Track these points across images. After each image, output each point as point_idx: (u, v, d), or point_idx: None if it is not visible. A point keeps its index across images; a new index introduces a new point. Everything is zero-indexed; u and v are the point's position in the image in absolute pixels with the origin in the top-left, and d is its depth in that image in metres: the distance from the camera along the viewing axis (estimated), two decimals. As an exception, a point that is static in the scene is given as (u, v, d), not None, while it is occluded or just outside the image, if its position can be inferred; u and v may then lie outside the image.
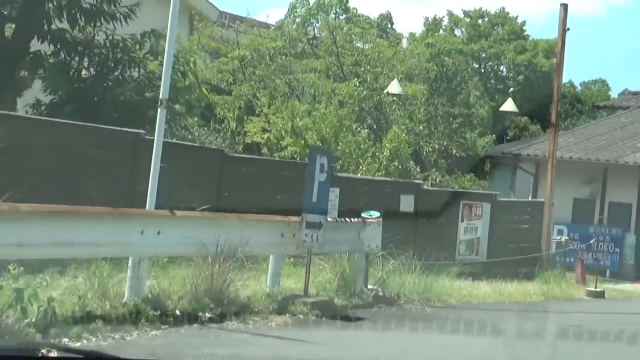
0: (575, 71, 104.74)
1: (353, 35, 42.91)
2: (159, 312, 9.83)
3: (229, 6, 78.53)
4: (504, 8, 52.81)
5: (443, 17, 54.34)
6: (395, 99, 33.70)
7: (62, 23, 17.32)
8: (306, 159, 15.64)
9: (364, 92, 33.76)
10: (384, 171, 21.31)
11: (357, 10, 50.55)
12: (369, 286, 14.20)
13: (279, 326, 10.82)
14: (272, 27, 44.77)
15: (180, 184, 14.92)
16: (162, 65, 18.58)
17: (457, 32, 53.85)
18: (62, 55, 17.33)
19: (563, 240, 24.88)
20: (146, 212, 10.34)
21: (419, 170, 27.41)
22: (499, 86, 53.24)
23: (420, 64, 40.41)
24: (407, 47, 47.90)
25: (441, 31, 52.97)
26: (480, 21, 52.89)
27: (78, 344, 8.30)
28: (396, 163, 21.43)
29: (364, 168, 21.48)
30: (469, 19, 53.25)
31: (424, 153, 33.65)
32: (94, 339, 8.65)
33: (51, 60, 17.28)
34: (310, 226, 12.19)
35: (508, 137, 39.50)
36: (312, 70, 39.75)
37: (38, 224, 9.04)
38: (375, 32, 45.72)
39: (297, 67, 39.71)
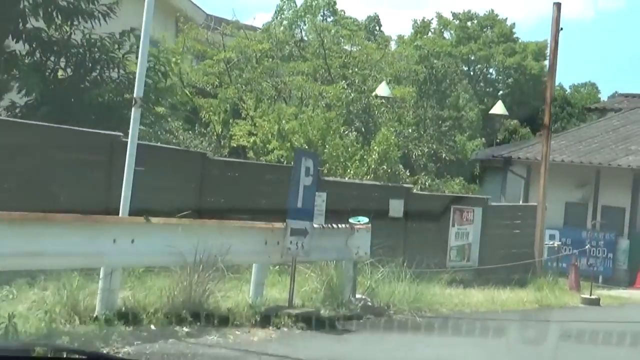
0: (565, 74, 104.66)
1: (341, 38, 42.43)
2: (132, 327, 9.18)
3: (217, 10, 77.91)
4: (493, 10, 52.40)
5: (432, 19, 53.90)
6: (383, 101, 33.19)
7: (37, 22, 16.63)
8: (292, 162, 15.03)
9: (352, 95, 33.23)
10: (372, 175, 20.70)
11: (344, 13, 50.08)
12: (357, 296, 13.58)
13: (262, 340, 10.19)
14: (259, 30, 44.37)
15: (160, 188, 14.28)
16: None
17: (446, 34, 53.38)
18: (38, 55, 16.65)
19: (556, 245, 24.32)
20: (119, 220, 9.69)
21: (408, 174, 26.83)
22: (488, 89, 52.80)
23: (408, 66, 39.91)
24: (395, 50, 47.44)
25: (430, 34, 52.46)
26: (469, 24, 52.42)
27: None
28: (385, 166, 20.81)
29: (352, 172, 20.87)
30: (458, 22, 52.77)
31: (413, 156, 33.09)
32: None
33: (26, 61, 16.58)
34: (295, 233, 11.55)
35: (498, 141, 39.00)
36: (300, 73, 39.29)
37: (3, 232, 8.39)
38: (363, 34, 45.23)
39: (284, 70, 39.27)
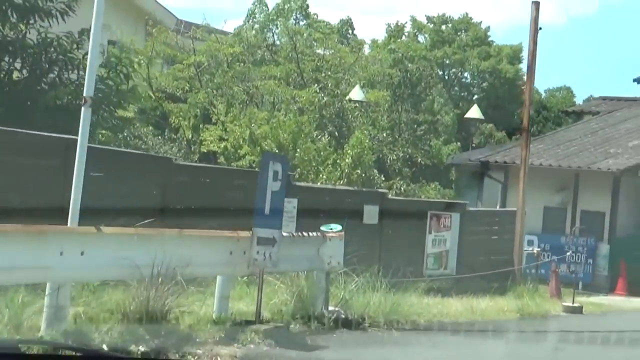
0: (540, 79, 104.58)
1: (314, 42, 41.77)
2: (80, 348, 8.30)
3: (188, 15, 77.23)
4: (467, 14, 51.87)
5: (406, 23, 53.29)
6: (357, 105, 32.56)
7: (-9, 21, 15.76)
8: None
9: (325, 99, 32.55)
10: (345, 180, 19.93)
11: (317, 16, 49.35)
12: (330, 308, 12.79)
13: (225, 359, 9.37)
14: (231, 35, 43.72)
15: (121, 195, 13.44)
16: (104, 66, 17.18)
17: (421, 38, 52.80)
18: (-9, 56, 15.78)
19: (535, 251, 23.62)
20: (67, 230, 8.84)
21: (383, 179, 26.12)
22: (463, 93, 52.29)
23: (382, 70, 39.30)
24: (369, 53, 46.85)
25: (404, 37, 51.85)
26: (443, 27, 51.87)
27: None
28: (359, 171, 20.04)
29: (325, 176, 20.09)
30: (432, 25, 52.20)
31: (388, 161, 32.42)
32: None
33: (-21, 62, 15.71)
34: (263, 242, 10.74)
35: (473, 145, 38.37)
36: (272, 77, 38.67)
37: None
38: (336, 37, 44.56)
39: (256, 74, 38.65)
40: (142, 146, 27.94)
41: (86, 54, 16.52)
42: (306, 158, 20.10)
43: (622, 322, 17.29)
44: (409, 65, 38.07)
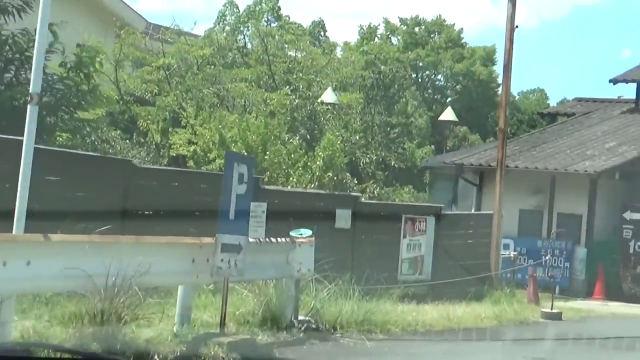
0: (512, 81, 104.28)
1: (285, 44, 41.21)
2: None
3: (159, 19, 76.38)
4: (440, 16, 51.42)
5: (378, 25, 52.81)
6: (329, 108, 31.99)
7: (-58, 18, 14.98)
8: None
9: (297, 101, 31.96)
10: (317, 183, 19.27)
11: (289, 18, 48.77)
12: (300, 317, 12.15)
13: (186, 377, 8.70)
14: (201, 37, 43.15)
15: (78, 201, 12.72)
16: (63, 65, 16.43)
17: (394, 40, 52.33)
18: (-57, 55, 14.99)
19: (512, 255, 23.08)
20: (10, 238, 8.13)
21: (355, 182, 25.51)
22: (436, 96, 51.89)
23: (355, 72, 38.78)
24: (341, 55, 46.36)
25: (377, 40, 51.36)
26: (417, 29, 51.40)
27: None
28: (330, 174, 19.39)
29: (295, 180, 19.42)
30: (405, 27, 51.73)
31: (361, 164, 31.85)
32: None
33: None
34: (227, 249, 10.07)
35: (447, 148, 37.88)
36: (243, 80, 38.13)
37: None
38: (308, 39, 44.01)
39: (227, 77, 38.11)
40: (110, 150, 27.21)
41: (46, 52, 15.84)
42: (276, 161, 19.42)
43: (602, 328, 16.75)
44: (382, 67, 37.56)
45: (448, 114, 35.73)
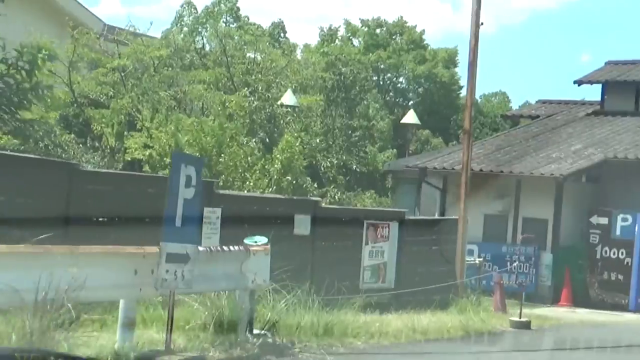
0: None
1: (244, 45, 40.37)
2: None
3: (116, 21, 75.23)
4: (402, 17, 50.81)
5: (339, 27, 52.09)
6: (289, 110, 31.21)
7: None
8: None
9: (255, 103, 31.12)
10: (275, 187, 18.39)
11: (248, 19, 47.89)
12: (256, 331, 11.28)
13: (124, 403, 7.79)
14: (158, 39, 42.22)
15: (15, 207, 11.74)
16: (4, 62, 15.45)
17: (355, 42, 51.65)
18: None
19: (477, 261, 22.36)
20: None
21: (316, 187, 24.70)
22: (398, 99, 51.27)
23: (315, 73, 38.04)
24: (302, 57, 45.64)
25: (337, 42, 50.64)
26: (378, 31, 50.75)
27: None
28: (289, 177, 18.52)
29: (252, 184, 18.53)
30: (366, 29, 51.06)
31: (322, 168, 31.06)
32: None
33: None
34: (173, 259, 9.16)
35: (410, 151, 37.19)
36: (201, 82, 37.31)
37: None
38: (267, 40, 43.19)
39: (185, 79, 37.27)
40: (64, 155, 26.26)
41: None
42: (231, 164, 18.52)
43: (573, 337, 16.04)
44: (343, 68, 36.80)
45: (410, 117, 35.08)
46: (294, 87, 34.43)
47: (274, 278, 13.27)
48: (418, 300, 18.10)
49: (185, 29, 45.17)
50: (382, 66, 49.11)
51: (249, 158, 19.24)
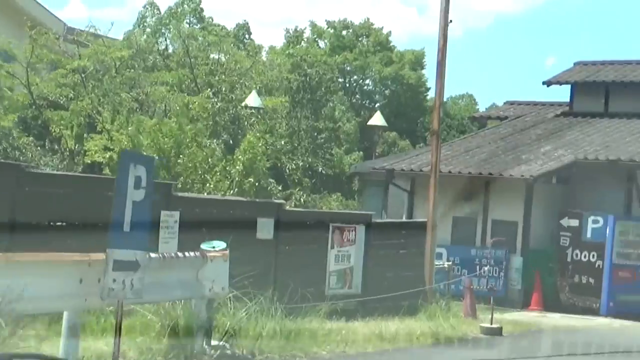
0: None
1: (208, 46, 39.68)
2: None
3: (78, 23, 74.19)
4: (368, 19, 50.29)
5: (305, 28, 51.50)
6: (254, 112, 30.54)
7: None
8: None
9: (219, 104, 30.41)
10: (236, 189, 17.69)
11: (212, 20, 47.17)
12: (214, 342, 10.61)
13: None
14: (121, 40, 41.49)
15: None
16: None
17: (321, 44, 51.09)
18: None
19: (446, 265, 21.80)
20: None
21: (280, 189, 24.04)
22: (364, 101, 50.79)
23: (281, 74, 37.43)
24: (267, 59, 45.02)
25: (303, 44, 50.03)
26: (344, 32, 50.21)
27: None
28: (252, 179, 17.82)
29: (212, 186, 17.81)
30: (332, 30, 50.51)
31: (287, 170, 30.41)
32: None
33: None
34: (121, 267, 8.45)
35: (377, 154, 36.63)
36: (164, 84, 36.59)
37: None
38: (232, 41, 42.51)
39: (147, 81, 36.54)
40: (21, 158, 25.54)
41: None
42: (191, 165, 17.78)
43: (547, 344, 15.53)
44: (308, 69, 36.16)
45: (377, 119, 34.55)
46: (258, 88, 33.82)
47: (235, 285, 12.65)
48: (386, 306, 17.51)
49: (148, 30, 44.39)
50: (348, 68, 48.60)
51: (209, 159, 18.51)
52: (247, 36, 48.70)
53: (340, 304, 16.52)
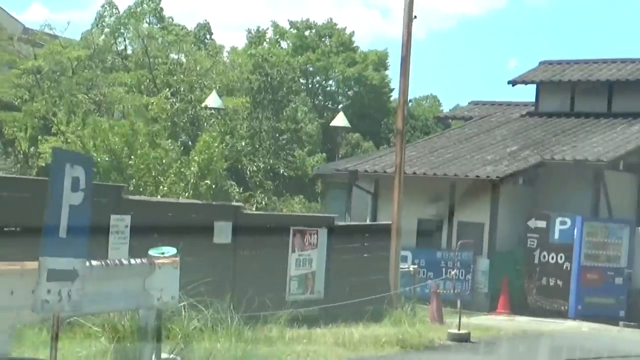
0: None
1: (167, 45, 38.90)
2: None
3: (38, 25, 72.66)
4: (331, 19, 49.75)
5: (267, 29, 50.81)
6: (214, 112, 29.83)
7: None
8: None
9: (177, 105, 29.66)
10: (192, 192, 16.96)
11: (172, 20, 46.32)
12: (164, 356, 9.86)
13: None
14: (78, 41, 40.67)
15: None
16: None
17: (284, 45, 50.46)
18: None
19: (412, 269, 21.17)
20: None
21: (241, 192, 23.30)
22: (327, 103, 50.24)
23: (242, 75, 36.76)
24: (228, 58, 44.31)
25: (265, 44, 49.36)
26: (307, 33, 49.60)
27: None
28: (208, 181, 17.09)
29: (166, 188, 17.06)
30: (295, 31, 49.87)
31: (248, 172, 29.68)
32: None
33: None
34: (57, 276, 7.67)
35: (340, 155, 36.02)
36: (123, 85, 35.80)
37: None
38: (192, 41, 41.71)
39: (105, 81, 35.76)
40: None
41: None
42: (143, 167, 17.01)
43: (518, 351, 14.93)
44: (269, 70, 35.47)
45: (340, 120, 33.93)
46: (218, 88, 33.14)
47: (190, 292, 11.96)
48: (349, 312, 16.88)
49: (106, 30, 43.49)
50: (311, 69, 48.00)
51: (163, 161, 17.75)
52: (208, 36, 47.93)
53: (301, 311, 15.85)
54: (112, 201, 13.33)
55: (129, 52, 42.43)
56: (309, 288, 17.12)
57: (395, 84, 46.46)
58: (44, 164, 27.50)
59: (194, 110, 29.11)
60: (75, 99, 33.02)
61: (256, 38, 50.26)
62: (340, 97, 49.47)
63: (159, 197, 16.89)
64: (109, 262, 9.17)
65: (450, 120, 34.06)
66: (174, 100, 29.66)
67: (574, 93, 27.76)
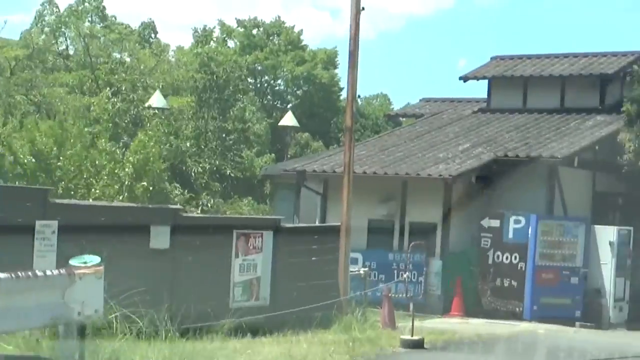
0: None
1: (110, 43, 37.79)
2: None
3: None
4: (280, 17, 48.89)
5: (214, 28, 49.82)
6: (157, 112, 28.82)
7: None
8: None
9: (119, 105, 28.60)
10: (127, 194, 16.01)
11: (116, 19, 45.14)
12: (88, 375, 8.93)
13: None
14: (17, 40, 39.48)
15: None
16: None
17: (231, 44, 49.51)
18: None
19: (362, 272, 20.36)
20: None
21: (184, 194, 22.36)
22: (276, 102, 49.41)
23: (187, 74, 35.81)
24: (174, 57, 43.33)
25: (212, 43, 48.37)
26: (255, 31, 48.71)
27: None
28: (144, 183, 16.15)
29: (99, 191, 16.08)
30: (242, 29, 48.96)
31: (193, 174, 28.72)
32: None
33: None
34: (-45, 292, 6.74)
35: (289, 155, 35.18)
36: (64, 85, 34.67)
37: None
38: (136, 39, 40.63)
39: (45, 82, 34.60)
40: None
41: None
42: (73, 168, 16.00)
43: (474, 358, 14.22)
44: (215, 68, 34.53)
45: (288, 119, 33.13)
46: (162, 88, 32.18)
47: (122, 302, 11.07)
48: (297, 319, 16.04)
49: (46, 29, 42.26)
50: (259, 68, 47.14)
51: (96, 162, 16.75)
52: (153, 35, 46.82)
53: (245, 319, 14.98)
54: (36, 205, 12.37)
55: (71, 52, 41.31)
56: (254, 294, 16.25)
57: (345, 82, 45.84)
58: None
59: (136, 110, 28.06)
60: (13, 100, 31.89)
61: (203, 37, 49.24)
62: (289, 97, 48.68)
63: (90, 200, 15.91)
64: (19, 274, 8.22)
65: (401, 118, 33.43)
66: (116, 100, 28.59)
67: (527, 88, 27.21)
